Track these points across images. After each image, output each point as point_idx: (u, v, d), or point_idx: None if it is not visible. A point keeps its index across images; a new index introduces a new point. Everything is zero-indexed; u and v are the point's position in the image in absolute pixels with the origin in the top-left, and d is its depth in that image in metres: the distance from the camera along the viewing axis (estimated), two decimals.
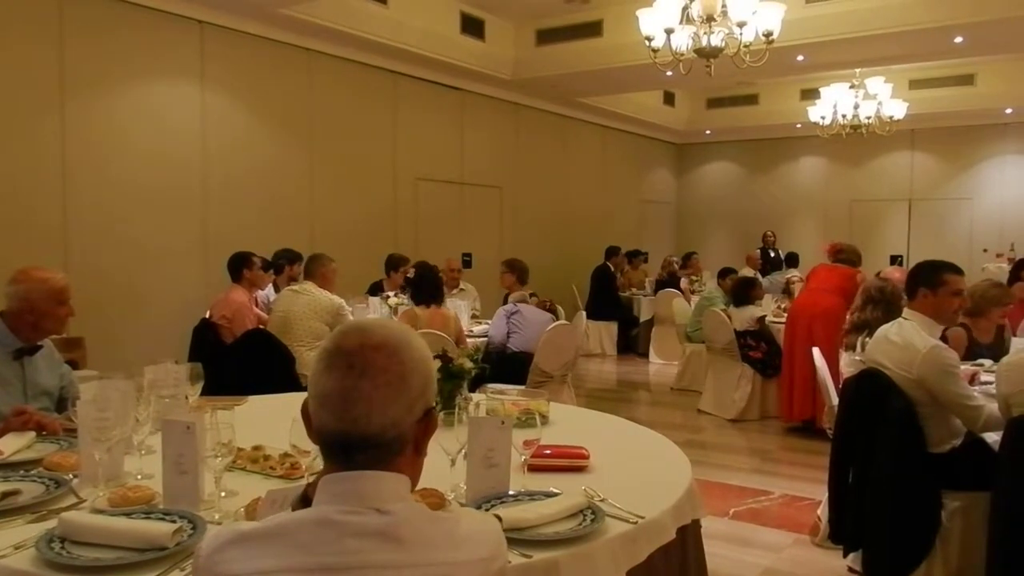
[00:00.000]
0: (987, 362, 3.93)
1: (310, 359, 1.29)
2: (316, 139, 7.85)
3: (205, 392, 2.83)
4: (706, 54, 5.57)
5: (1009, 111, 11.31)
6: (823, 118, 9.47)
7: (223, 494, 1.87)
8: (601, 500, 1.86)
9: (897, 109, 9.39)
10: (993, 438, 2.98)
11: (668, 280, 10.27)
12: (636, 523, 1.77)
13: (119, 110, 6.27)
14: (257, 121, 7.33)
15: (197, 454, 1.81)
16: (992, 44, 8.32)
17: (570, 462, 2.16)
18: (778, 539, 4.05)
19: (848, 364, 4.10)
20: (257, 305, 5.70)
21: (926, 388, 3.02)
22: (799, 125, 11.61)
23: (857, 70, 9.24)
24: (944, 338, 3.19)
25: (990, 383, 3.24)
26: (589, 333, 9.57)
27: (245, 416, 2.33)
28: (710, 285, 8.88)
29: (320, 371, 1.17)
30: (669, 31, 5.56)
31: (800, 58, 8.54)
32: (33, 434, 2.38)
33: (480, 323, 6.28)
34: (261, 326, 5.19)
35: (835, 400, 3.77)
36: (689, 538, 2.04)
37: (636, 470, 2.24)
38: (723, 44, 5.51)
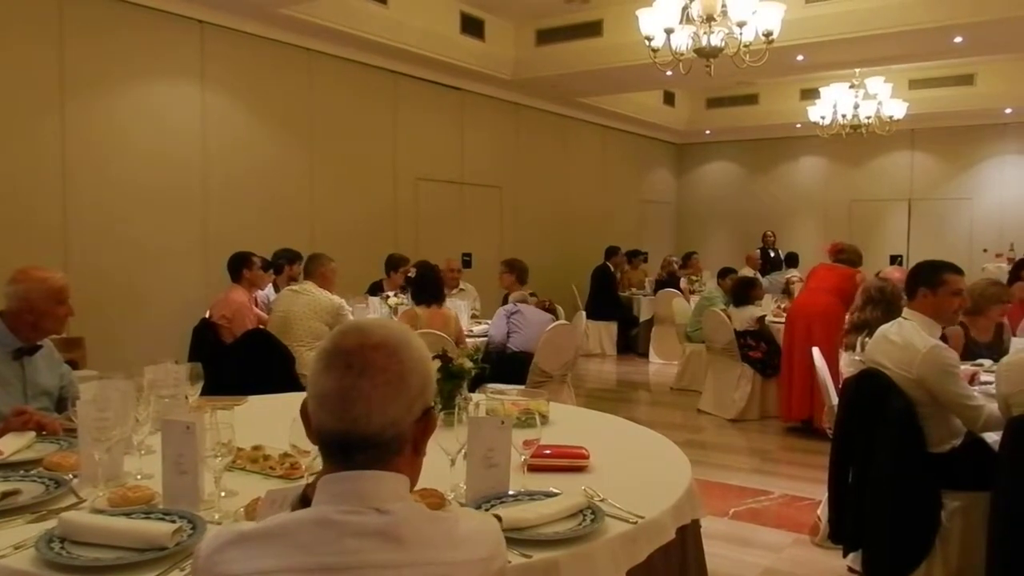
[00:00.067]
0: (987, 362, 3.93)
1: (310, 359, 1.29)
2: (316, 139, 7.85)
3: (205, 392, 2.83)
4: (706, 54, 5.57)
5: (1009, 111, 11.31)
6: (823, 118, 9.47)
7: (223, 494, 1.86)
8: (601, 500, 1.86)
9: (897, 109, 9.39)
10: (993, 438, 2.97)
11: (668, 280, 10.27)
12: (636, 523, 1.77)
13: (119, 110, 6.27)
14: (257, 121, 7.33)
15: (197, 454, 1.81)
16: (992, 44, 8.32)
17: (570, 462, 2.16)
18: (778, 539, 4.05)
19: (848, 364, 4.10)
20: (257, 305, 5.70)
21: (926, 388, 3.02)
22: (799, 125, 11.61)
23: (857, 70, 9.24)
24: (944, 337, 3.19)
25: (990, 383, 3.24)
26: (589, 333, 9.57)
27: (245, 416, 2.33)
28: (710, 285, 8.89)
29: (319, 371, 1.17)
30: (669, 31, 5.56)
31: (800, 58, 8.54)
32: (33, 434, 2.38)
33: (480, 323, 6.27)
34: (261, 326, 5.19)
35: (835, 400, 3.76)
36: (689, 538, 2.04)
37: (636, 470, 2.24)
38: (723, 44, 5.51)
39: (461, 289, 7.16)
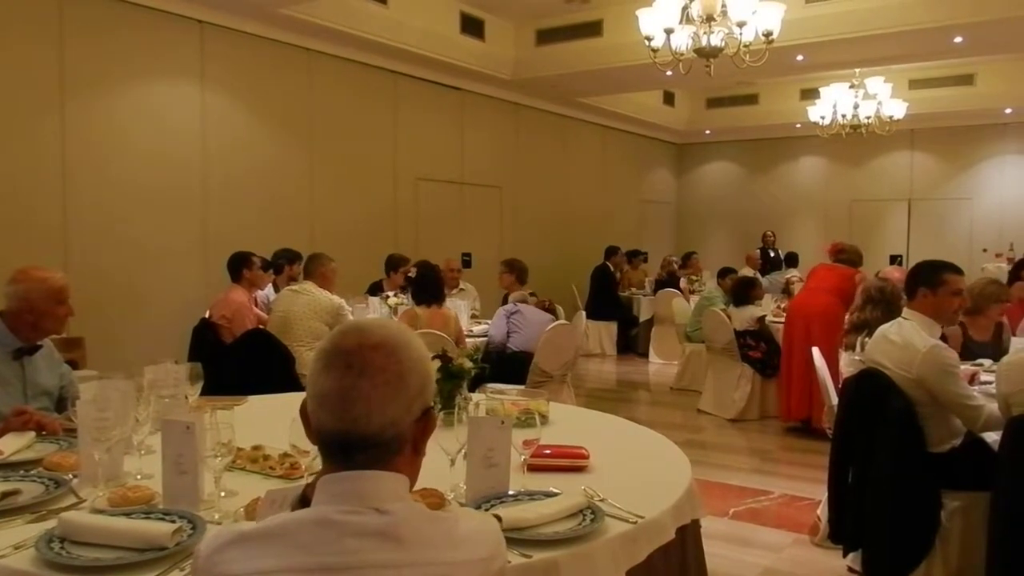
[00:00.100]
0: (987, 362, 3.93)
1: (310, 359, 1.28)
2: (316, 139, 7.85)
3: (205, 392, 2.83)
4: (706, 54, 5.57)
5: (1009, 111, 11.31)
6: (823, 118, 9.47)
7: (223, 494, 1.87)
8: (601, 500, 1.86)
9: (897, 109, 9.39)
10: (993, 438, 2.97)
11: (668, 280, 10.27)
12: (636, 523, 1.77)
13: (119, 110, 6.27)
14: (257, 121, 7.33)
15: (197, 454, 1.81)
16: (992, 44, 8.32)
17: (570, 462, 2.16)
18: (778, 539, 4.05)
19: (848, 364, 4.10)
20: (257, 305, 5.70)
21: (926, 388, 3.02)
22: (799, 125, 11.61)
23: (857, 70, 9.24)
24: (943, 337, 3.19)
25: (990, 383, 3.24)
26: (589, 333, 9.57)
27: (245, 416, 2.33)
28: (710, 285, 8.89)
29: (318, 371, 1.17)
30: (669, 31, 5.56)
31: (800, 58, 8.54)
32: (33, 434, 2.38)
33: (480, 323, 6.27)
34: (261, 326, 5.19)
35: (835, 400, 3.77)
36: (689, 538, 2.04)
37: (636, 470, 2.24)
38: (723, 44, 5.51)
39: (461, 289, 7.16)
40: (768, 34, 5.47)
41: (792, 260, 11.14)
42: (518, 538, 1.63)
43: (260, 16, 6.97)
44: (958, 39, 7.75)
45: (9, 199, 5.60)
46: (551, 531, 1.68)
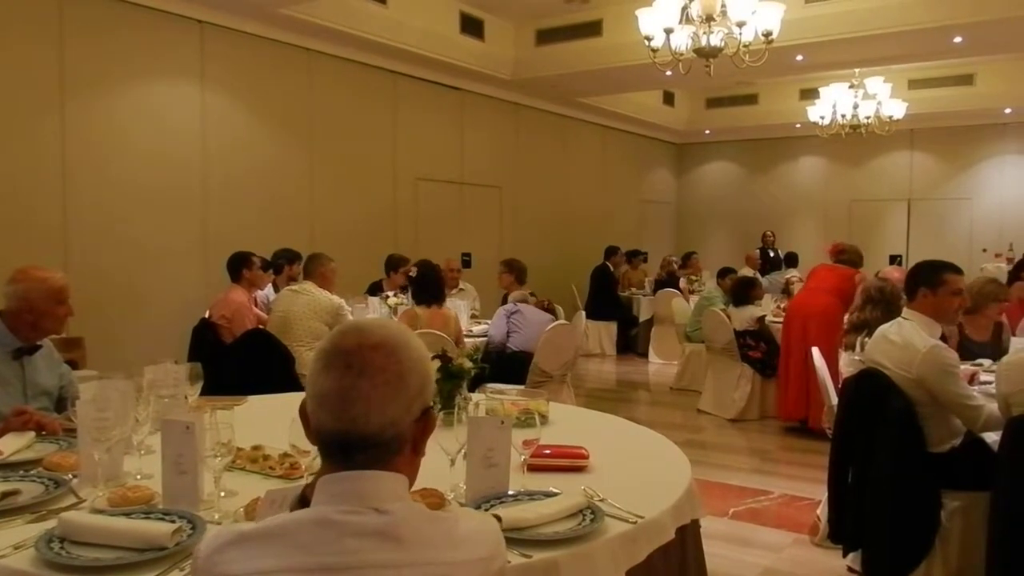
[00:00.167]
0: (987, 362, 3.93)
1: (309, 359, 1.28)
2: (316, 139, 7.85)
3: (205, 392, 2.84)
4: (705, 54, 5.57)
5: (1008, 111, 11.31)
6: (822, 118, 9.47)
7: (222, 494, 1.86)
8: (601, 500, 1.86)
9: (896, 109, 9.39)
10: (993, 438, 2.97)
11: (667, 280, 10.26)
12: (636, 523, 1.77)
13: (119, 110, 6.27)
14: (257, 121, 7.33)
15: (196, 454, 1.81)
16: (992, 44, 8.33)
17: (570, 462, 2.16)
18: (778, 539, 4.05)
19: (847, 364, 4.10)
20: (257, 305, 5.70)
21: (926, 388, 3.02)
22: (798, 125, 11.61)
23: (856, 70, 9.24)
24: (943, 337, 3.19)
25: (990, 383, 3.24)
26: (589, 333, 9.57)
27: (245, 416, 2.33)
28: (709, 285, 8.89)
29: (318, 371, 1.17)
30: (668, 31, 5.56)
31: (799, 58, 8.54)
32: (33, 434, 2.38)
33: (479, 323, 6.27)
34: (261, 326, 5.19)
35: (834, 400, 3.77)
36: (688, 538, 2.04)
37: (636, 470, 2.24)
38: (722, 44, 5.51)
39: (461, 289, 7.16)
40: (768, 34, 5.47)
41: (792, 260, 11.15)
42: (518, 538, 1.63)
43: (260, 16, 6.97)
44: (958, 39, 7.75)
45: (9, 199, 5.60)
46: (551, 531, 1.68)
